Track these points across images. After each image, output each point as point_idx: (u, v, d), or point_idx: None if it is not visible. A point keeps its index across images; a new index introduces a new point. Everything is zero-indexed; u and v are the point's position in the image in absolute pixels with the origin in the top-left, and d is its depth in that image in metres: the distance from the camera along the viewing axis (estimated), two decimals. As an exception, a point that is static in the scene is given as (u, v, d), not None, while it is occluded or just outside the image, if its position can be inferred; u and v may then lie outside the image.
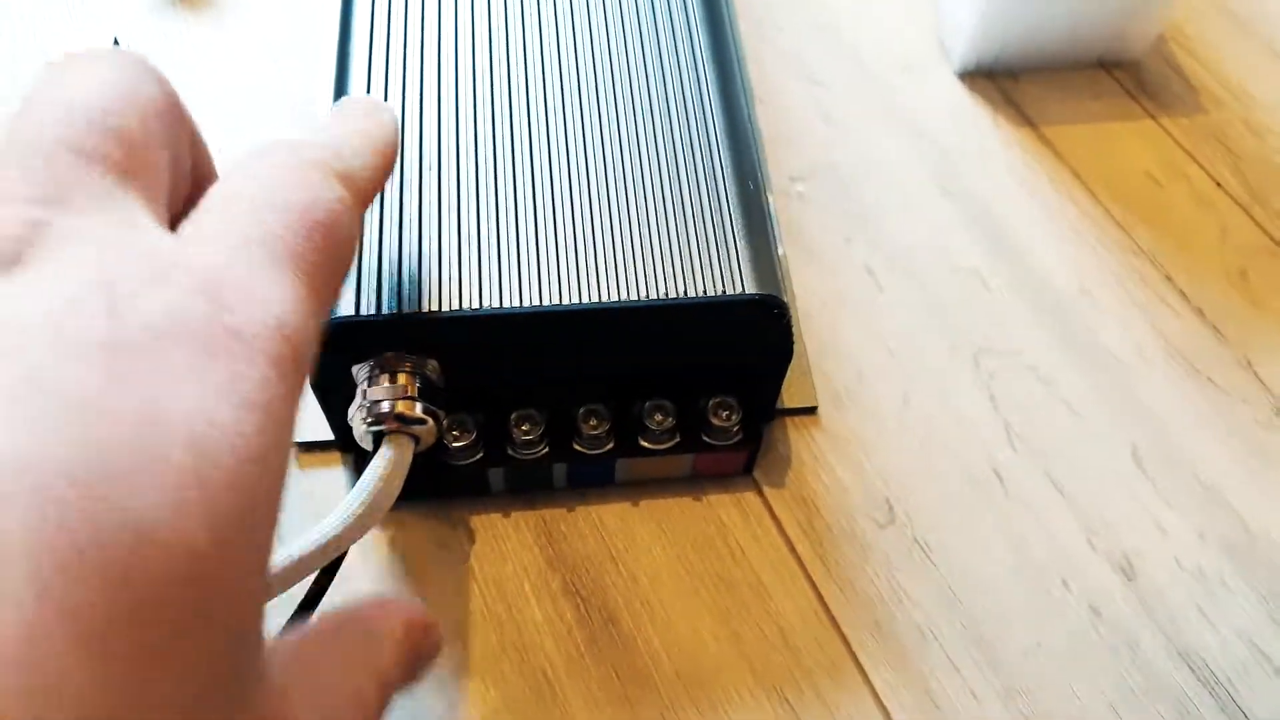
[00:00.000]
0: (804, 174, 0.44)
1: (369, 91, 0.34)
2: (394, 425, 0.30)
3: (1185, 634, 0.34)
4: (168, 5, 0.48)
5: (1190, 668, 0.33)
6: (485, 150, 0.33)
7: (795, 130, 0.45)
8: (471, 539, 0.35)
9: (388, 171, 0.24)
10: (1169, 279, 0.42)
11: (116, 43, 0.45)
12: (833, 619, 0.34)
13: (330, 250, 0.20)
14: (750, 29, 0.48)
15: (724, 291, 0.31)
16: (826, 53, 0.48)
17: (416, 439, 0.30)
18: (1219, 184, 0.45)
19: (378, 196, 0.32)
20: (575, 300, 0.30)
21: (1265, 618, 0.34)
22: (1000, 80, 0.48)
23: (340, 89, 0.35)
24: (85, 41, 0.45)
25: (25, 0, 0.48)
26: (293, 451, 0.35)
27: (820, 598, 0.34)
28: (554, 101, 0.34)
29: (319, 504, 0.35)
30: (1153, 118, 0.47)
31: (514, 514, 0.35)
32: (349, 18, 0.37)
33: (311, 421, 0.36)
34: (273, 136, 0.22)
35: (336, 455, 0.36)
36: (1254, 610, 0.34)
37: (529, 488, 0.35)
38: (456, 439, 0.33)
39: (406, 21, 0.36)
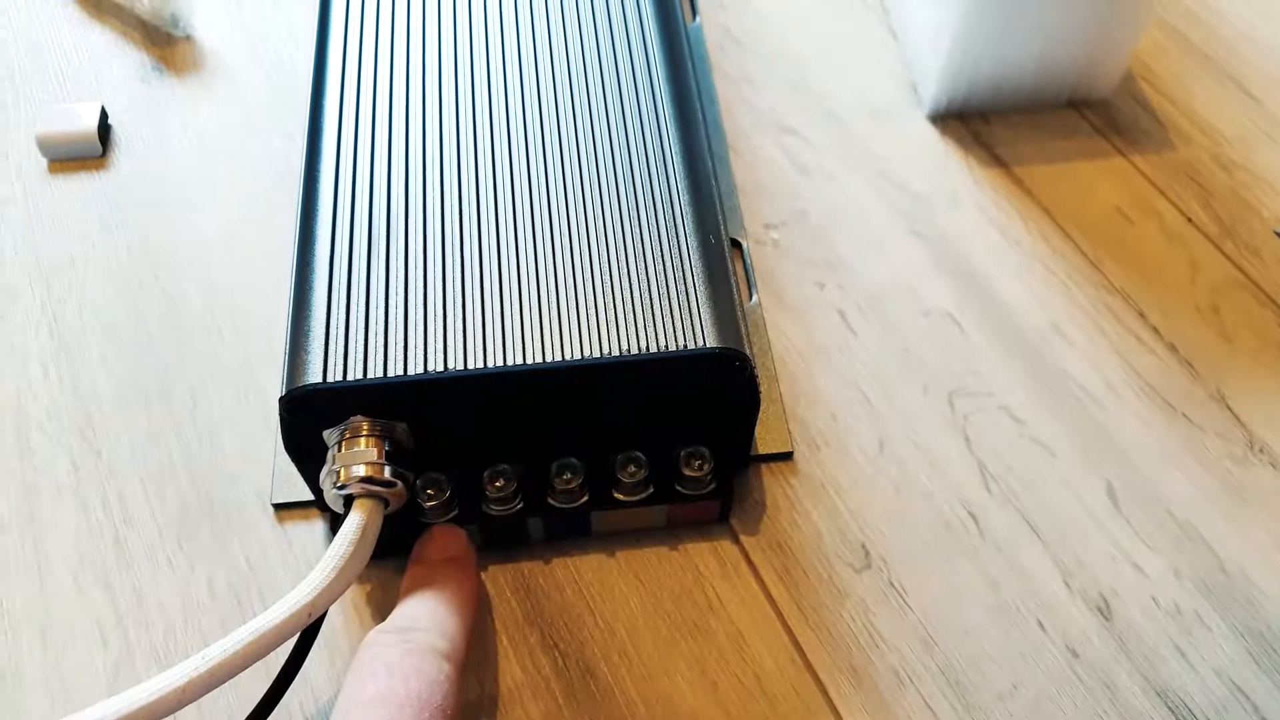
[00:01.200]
0: (778, 222, 0.44)
1: (338, 153, 0.35)
2: (362, 489, 0.30)
3: (1163, 674, 0.34)
4: (153, 72, 0.49)
5: (1169, 707, 0.33)
6: (450, 213, 0.34)
7: (769, 179, 0.46)
8: (450, 594, 0.35)
9: (474, 626, 0.32)
10: (1141, 315, 0.42)
11: (105, 114, 0.46)
12: (809, 665, 0.34)
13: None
14: (724, 84, 0.49)
15: (686, 346, 0.31)
16: (799, 103, 0.49)
17: (386, 501, 0.31)
18: (1189, 219, 0.45)
19: (343, 262, 0.32)
20: (539, 359, 0.31)
21: (1244, 655, 0.34)
22: (971, 122, 0.48)
23: (312, 159, 0.35)
24: (75, 109, 0.46)
25: (17, 69, 0.49)
26: (272, 511, 0.36)
27: (797, 644, 0.34)
28: (517, 163, 0.35)
29: (299, 562, 0.35)
30: (1123, 155, 0.47)
31: (491, 568, 0.35)
32: (320, 88, 0.38)
33: (291, 483, 0.36)
34: (388, 623, 0.30)
35: (316, 512, 0.36)
36: (1232, 648, 0.34)
37: (505, 542, 0.36)
38: (430, 498, 0.33)
39: (376, 86, 0.37)
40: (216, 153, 0.46)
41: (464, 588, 0.32)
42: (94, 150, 0.45)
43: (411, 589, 0.32)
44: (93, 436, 0.38)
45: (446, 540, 0.33)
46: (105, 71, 0.49)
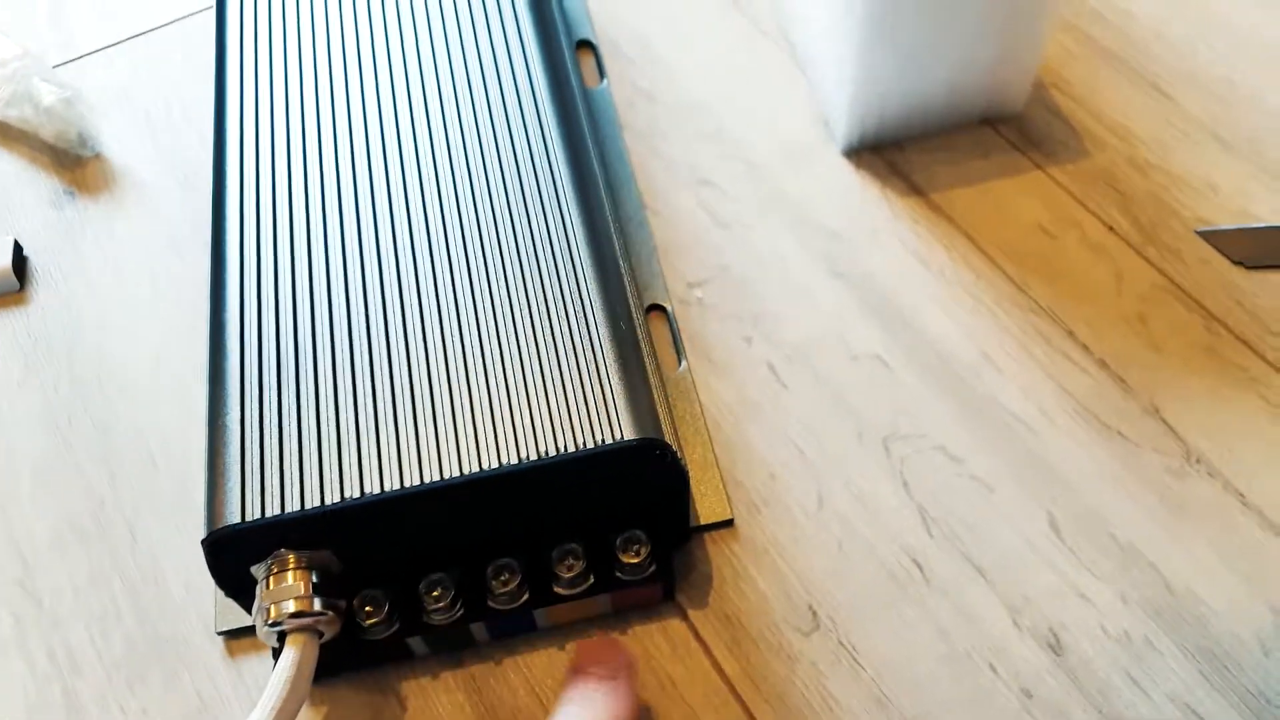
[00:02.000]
0: (701, 280, 0.44)
1: (242, 286, 0.35)
2: (294, 624, 0.30)
3: (1117, 705, 0.34)
4: (65, 196, 0.49)
5: (1127, 739, 0.33)
6: (358, 333, 0.34)
7: (689, 236, 0.46)
8: (404, 706, 0.35)
9: None
10: (1070, 334, 0.42)
11: (19, 246, 0.46)
12: (767, 739, 0.34)
13: None
14: (636, 142, 0.49)
15: (603, 441, 0.31)
16: (712, 154, 0.49)
17: (321, 632, 0.31)
18: (1111, 228, 0.45)
19: (253, 396, 0.32)
20: (456, 473, 0.31)
21: (1196, 676, 0.34)
22: (886, 152, 0.48)
23: (217, 287, 0.35)
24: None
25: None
26: (221, 642, 0.35)
27: (752, 718, 0.34)
28: (423, 272, 0.35)
29: (252, 690, 0.35)
30: (1040, 168, 0.47)
31: (442, 675, 0.35)
32: (220, 209, 0.38)
33: (235, 609, 0.36)
34: None
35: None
36: (1184, 670, 0.34)
37: (451, 647, 0.36)
38: (369, 615, 0.33)
39: (275, 199, 0.37)
40: (137, 273, 0.46)
41: (627, 709, 0.31)
42: (11, 286, 0.45)
43: (575, 702, 0.31)
44: (32, 586, 0.38)
45: (607, 654, 0.33)
46: (16, 201, 0.49)
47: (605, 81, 0.51)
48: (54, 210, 0.48)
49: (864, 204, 0.47)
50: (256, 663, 0.36)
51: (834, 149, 0.49)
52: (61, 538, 0.39)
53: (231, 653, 0.36)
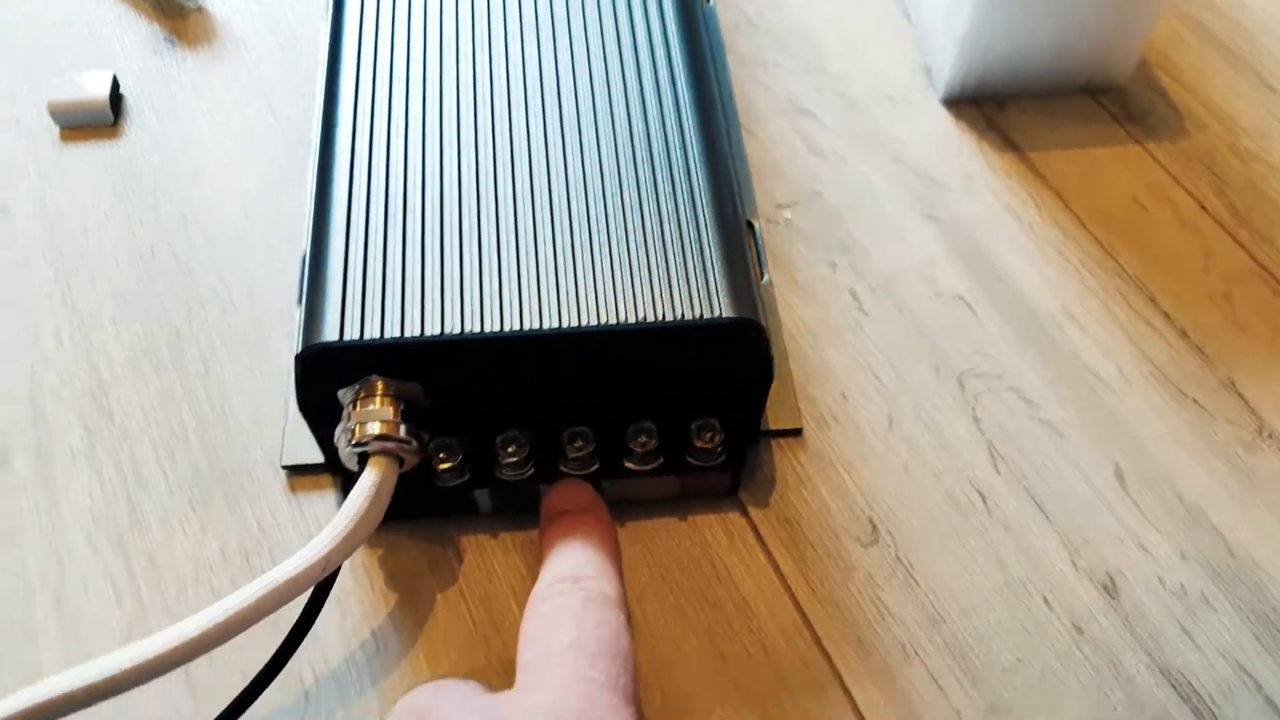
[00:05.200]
0: (790, 202, 0.45)
1: (355, 118, 0.35)
2: (378, 446, 0.30)
3: (1167, 652, 0.34)
4: (165, 44, 0.49)
5: (1173, 685, 0.33)
6: (469, 177, 0.34)
7: (782, 160, 0.46)
8: (460, 559, 0.35)
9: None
10: (1153, 301, 0.42)
11: (116, 83, 0.46)
12: (816, 637, 0.34)
13: (631, 666, 0.28)
14: (738, 65, 0.49)
15: (701, 315, 0.31)
16: (813, 86, 0.49)
17: (401, 460, 0.31)
18: (1204, 207, 0.45)
19: (360, 223, 0.32)
20: (555, 324, 0.31)
21: (1249, 636, 0.34)
22: (986, 107, 0.48)
23: (328, 120, 0.35)
24: (87, 77, 0.46)
25: (28, 41, 0.49)
26: (284, 477, 0.36)
27: (804, 616, 0.34)
28: (535, 130, 0.35)
29: (311, 526, 0.36)
30: (1138, 142, 0.47)
31: (502, 534, 0.36)
32: (337, 47, 0.38)
33: (302, 445, 0.36)
34: (553, 574, 0.31)
35: (327, 479, 0.37)
36: (1238, 629, 0.34)
37: (516, 509, 0.36)
38: (443, 461, 0.33)
39: (393, 55, 0.37)
40: (229, 123, 0.46)
41: (608, 534, 0.33)
42: (105, 118, 0.45)
43: (559, 538, 0.32)
44: (105, 401, 0.38)
45: (577, 492, 0.34)
46: (117, 44, 0.49)
47: (713, 3, 0.51)
48: (154, 56, 0.49)
49: (960, 153, 0.47)
50: (318, 499, 0.36)
51: (934, 97, 0.49)
52: (136, 361, 0.39)
53: (293, 488, 0.36)
